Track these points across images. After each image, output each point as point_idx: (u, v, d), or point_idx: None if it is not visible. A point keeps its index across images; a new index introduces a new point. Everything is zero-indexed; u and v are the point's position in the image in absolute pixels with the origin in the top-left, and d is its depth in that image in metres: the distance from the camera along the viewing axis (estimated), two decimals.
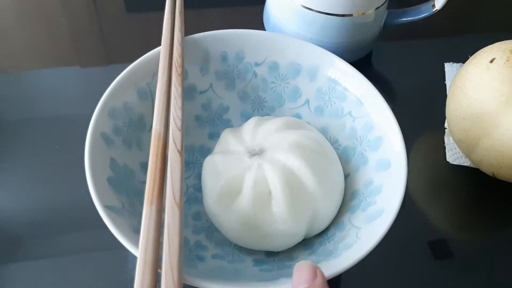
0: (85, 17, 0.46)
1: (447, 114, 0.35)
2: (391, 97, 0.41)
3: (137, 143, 0.29)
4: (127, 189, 0.27)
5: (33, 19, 0.45)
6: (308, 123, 0.33)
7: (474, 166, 0.36)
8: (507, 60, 0.31)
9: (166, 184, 0.23)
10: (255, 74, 0.33)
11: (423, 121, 0.39)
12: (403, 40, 0.46)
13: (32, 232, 0.31)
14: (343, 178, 0.30)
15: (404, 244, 0.32)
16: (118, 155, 0.27)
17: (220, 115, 0.34)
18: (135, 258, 0.21)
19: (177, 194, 0.23)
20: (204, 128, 0.34)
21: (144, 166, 0.26)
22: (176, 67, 0.28)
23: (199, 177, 0.31)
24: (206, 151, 0.33)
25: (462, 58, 0.36)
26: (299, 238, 0.28)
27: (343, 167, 0.30)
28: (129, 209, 0.26)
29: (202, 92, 0.33)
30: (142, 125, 0.30)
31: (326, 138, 0.31)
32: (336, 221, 0.29)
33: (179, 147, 0.25)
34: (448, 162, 0.37)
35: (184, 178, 0.31)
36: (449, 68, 0.42)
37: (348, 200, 0.29)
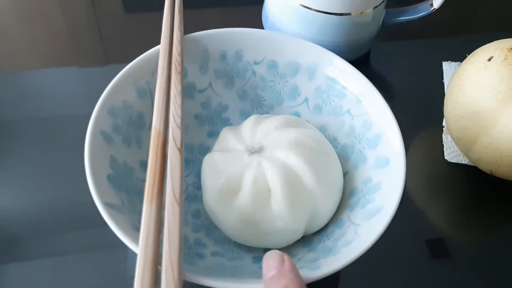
0: (83, 17, 0.46)
1: (445, 113, 0.35)
2: (389, 95, 0.41)
3: (136, 141, 0.29)
4: (127, 187, 0.27)
5: (31, 18, 0.45)
6: (307, 122, 0.33)
7: (472, 164, 0.36)
8: (505, 59, 0.31)
9: (166, 181, 0.24)
10: (254, 73, 0.33)
11: (421, 120, 0.39)
12: (402, 39, 0.46)
13: (32, 231, 0.32)
14: (342, 176, 0.30)
15: (402, 241, 0.33)
16: (118, 153, 0.28)
17: (219, 114, 0.34)
18: (135, 255, 0.21)
19: (177, 191, 0.23)
20: (204, 127, 0.34)
21: (144, 164, 0.26)
22: (175, 65, 0.29)
23: (198, 175, 0.31)
24: (206, 150, 0.33)
25: (460, 56, 0.36)
26: (298, 235, 0.28)
27: (342, 165, 0.30)
28: (129, 207, 0.26)
29: (201, 91, 0.33)
30: (141, 123, 0.30)
31: (325, 136, 0.32)
32: (335, 218, 0.29)
33: (178, 145, 0.25)
34: (446, 160, 0.37)
35: (183, 176, 0.32)
36: (447, 66, 0.43)
37: (347, 198, 0.29)
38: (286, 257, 0.21)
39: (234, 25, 0.33)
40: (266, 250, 0.29)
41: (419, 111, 0.40)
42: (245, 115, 0.34)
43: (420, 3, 0.40)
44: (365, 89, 0.30)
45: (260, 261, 0.28)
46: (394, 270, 0.32)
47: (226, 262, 0.27)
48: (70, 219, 0.32)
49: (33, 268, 0.30)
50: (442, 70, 0.42)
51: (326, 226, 0.29)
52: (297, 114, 0.34)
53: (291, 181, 0.27)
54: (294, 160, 0.27)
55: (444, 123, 0.38)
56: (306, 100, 0.33)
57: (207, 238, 0.29)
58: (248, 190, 0.27)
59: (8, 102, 0.38)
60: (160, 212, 0.23)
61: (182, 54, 0.29)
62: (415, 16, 0.40)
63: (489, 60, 0.32)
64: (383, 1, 0.38)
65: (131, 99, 0.29)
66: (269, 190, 0.27)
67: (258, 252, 0.29)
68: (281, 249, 0.28)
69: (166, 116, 0.26)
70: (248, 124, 0.30)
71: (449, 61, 0.43)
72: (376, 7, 0.38)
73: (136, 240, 0.22)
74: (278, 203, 0.27)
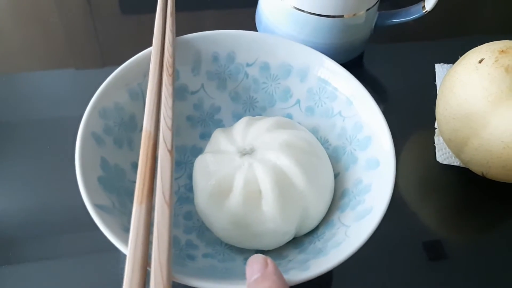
0: (80, 19, 0.46)
1: (437, 114, 0.35)
2: (382, 97, 0.42)
3: (128, 143, 0.29)
4: (118, 189, 0.27)
5: (28, 20, 0.45)
6: (299, 123, 0.33)
7: (463, 166, 0.36)
8: (495, 61, 0.31)
9: (156, 183, 0.24)
10: (246, 75, 0.33)
11: (414, 121, 0.40)
12: (395, 41, 0.46)
13: (23, 233, 0.31)
14: (333, 177, 0.30)
15: (395, 243, 0.33)
16: (109, 154, 0.28)
17: (211, 115, 0.34)
18: (126, 258, 0.21)
19: (167, 193, 0.23)
20: (196, 128, 0.34)
21: (135, 166, 0.26)
22: (167, 67, 0.29)
23: (190, 177, 0.31)
24: (198, 151, 0.33)
25: (452, 58, 0.37)
26: (289, 237, 0.28)
27: (333, 166, 0.30)
28: (119, 208, 0.26)
29: (193, 93, 0.33)
30: (133, 125, 0.30)
31: (317, 138, 0.32)
32: (326, 219, 0.29)
33: (169, 146, 0.25)
34: (438, 161, 0.37)
35: (175, 178, 0.32)
36: (440, 68, 0.43)
37: (338, 199, 0.29)
38: (269, 260, 0.22)
39: (227, 27, 0.33)
40: (257, 251, 0.29)
41: (411, 112, 0.40)
42: (237, 117, 0.34)
43: (412, 6, 0.40)
44: (356, 91, 0.30)
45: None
46: (386, 271, 0.32)
47: (217, 264, 0.28)
48: (63, 221, 0.32)
49: (25, 270, 0.30)
50: (434, 72, 0.43)
51: (317, 228, 0.29)
52: (289, 116, 0.34)
53: (281, 182, 0.27)
54: (285, 162, 0.27)
55: (436, 125, 0.39)
56: (298, 101, 0.33)
57: (199, 240, 0.29)
58: (239, 192, 0.27)
59: (3, 103, 0.38)
60: (149, 213, 0.23)
61: (173, 56, 0.29)
62: (408, 18, 0.40)
63: (480, 62, 0.32)
64: (375, 4, 0.39)
65: (122, 101, 0.29)
66: (260, 191, 0.27)
67: (249, 253, 0.29)
68: (272, 251, 0.29)
69: (157, 118, 0.26)
70: (239, 126, 0.30)
71: (441, 63, 0.43)
72: (368, 9, 0.38)
73: (126, 241, 0.22)
74: (269, 205, 0.27)
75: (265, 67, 0.33)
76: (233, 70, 0.33)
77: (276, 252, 0.28)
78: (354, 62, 0.42)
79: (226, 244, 0.29)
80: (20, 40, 0.43)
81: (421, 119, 0.39)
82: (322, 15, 0.37)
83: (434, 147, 0.38)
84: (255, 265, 0.21)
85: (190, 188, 0.31)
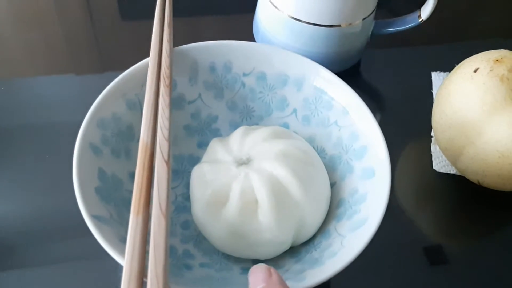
0: (80, 25, 0.46)
1: (433, 123, 0.36)
2: (379, 105, 0.42)
3: (125, 153, 0.30)
4: (115, 199, 0.27)
5: (28, 26, 0.45)
6: (296, 132, 0.33)
7: (460, 174, 0.36)
8: (490, 70, 0.32)
9: (153, 194, 0.24)
10: (243, 84, 0.34)
11: (410, 129, 0.40)
12: (391, 50, 0.46)
13: (20, 241, 0.32)
14: (329, 187, 0.30)
15: (392, 250, 0.33)
16: (107, 165, 0.28)
17: (209, 125, 0.34)
18: (123, 267, 0.21)
19: (164, 204, 0.23)
20: (193, 138, 0.34)
21: (133, 175, 0.26)
22: (164, 78, 0.29)
23: (188, 186, 0.32)
24: (195, 160, 0.33)
25: (449, 67, 0.37)
26: (286, 247, 0.28)
27: (329, 176, 0.31)
28: (117, 219, 0.26)
29: (191, 102, 0.33)
30: (131, 135, 0.30)
31: (313, 147, 0.32)
32: (322, 229, 0.29)
33: (166, 157, 0.25)
34: (434, 170, 0.37)
35: (172, 187, 0.32)
36: (436, 77, 0.43)
37: (334, 208, 0.30)
38: (273, 269, 0.22)
39: (225, 35, 0.33)
40: (254, 261, 0.29)
41: (408, 121, 0.40)
42: (234, 126, 0.34)
43: (408, 14, 0.40)
44: (351, 101, 0.31)
45: (248, 272, 0.28)
46: (383, 279, 0.32)
47: (214, 273, 0.28)
48: (59, 229, 0.32)
49: (22, 277, 0.30)
50: (431, 80, 0.43)
51: (314, 237, 0.29)
52: (286, 125, 0.34)
53: (278, 192, 0.27)
54: (281, 172, 0.27)
55: (432, 133, 0.39)
56: (294, 111, 0.34)
57: (196, 249, 0.29)
58: (235, 202, 0.27)
59: (3, 109, 0.38)
60: (146, 225, 0.23)
61: (170, 67, 0.30)
62: (404, 27, 0.41)
63: (475, 71, 0.32)
64: (372, 13, 0.39)
65: (120, 111, 0.30)
66: (257, 201, 0.27)
67: (246, 263, 0.29)
68: (269, 260, 0.29)
69: (154, 129, 0.27)
70: (236, 135, 0.30)
71: (438, 71, 0.43)
72: (365, 18, 0.38)
73: (122, 252, 0.22)
74: (265, 215, 0.27)
75: (262, 77, 0.33)
76: (230, 80, 0.33)
77: (272, 262, 0.28)
78: (350, 71, 0.42)
79: (223, 253, 0.29)
80: (21, 46, 0.44)
81: (418, 127, 0.40)
82: (319, 24, 0.37)
83: (431, 155, 0.38)
84: (259, 274, 0.21)
85: (187, 197, 0.32)
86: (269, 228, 0.27)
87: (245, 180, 0.27)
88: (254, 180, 0.27)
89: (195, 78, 0.33)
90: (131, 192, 0.26)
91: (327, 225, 0.29)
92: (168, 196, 0.23)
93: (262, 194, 0.27)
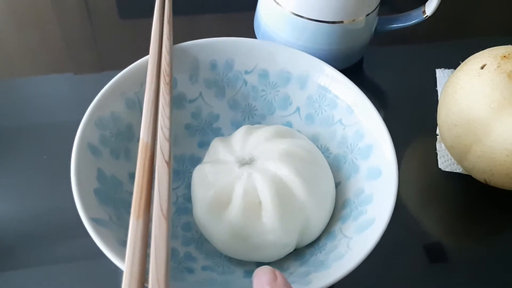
0: (78, 23, 0.46)
1: (438, 121, 0.35)
2: (383, 103, 0.41)
3: (125, 153, 0.29)
4: (114, 201, 0.26)
5: (26, 25, 0.45)
6: (299, 131, 0.32)
7: (466, 173, 0.36)
8: (498, 66, 0.31)
9: (154, 195, 0.23)
10: (245, 82, 0.33)
11: (415, 127, 0.39)
12: (395, 46, 0.46)
13: (19, 242, 0.31)
14: (334, 187, 0.30)
15: (397, 250, 0.32)
16: (106, 165, 0.27)
17: (210, 124, 0.34)
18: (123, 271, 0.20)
19: (165, 205, 0.22)
20: (194, 137, 0.33)
21: (133, 176, 0.26)
22: (164, 76, 0.28)
23: (189, 187, 0.31)
24: (197, 160, 0.33)
25: (453, 64, 0.36)
26: (290, 249, 0.28)
27: (334, 175, 0.30)
28: (116, 221, 0.25)
29: (191, 101, 0.33)
30: (130, 134, 0.30)
31: (317, 146, 0.31)
32: (327, 230, 0.28)
33: (166, 157, 0.24)
34: (440, 169, 0.36)
35: (173, 188, 0.31)
36: (441, 74, 0.42)
37: (339, 209, 0.29)
38: (277, 272, 0.21)
39: (226, 32, 0.32)
40: (258, 264, 0.28)
41: (412, 119, 0.40)
42: (236, 125, 0.33)
43: (412, 10, 0.40)
44: (356, 98, 0.30)
45: (251, 275, 0.27)
46: (389, 279, 0.31)
47: (216, 277, 0.27)
48: (58, 231, 0.32)
49: (20, 278, 0.29)
50: (435, 77, 0.42)
51: (318, 239, 0.29)
52: (289, 124, 0.33)
53: (281, 193, 0.26)
54: (284, 172, 0.27)
55: (438, 131, 0.38)
56: (298, 109, 0.33)
57: (198, 252, 0.29)
58: (238, 203, 0.26)
59: (1, 109, 0.38)
60: (147, 228, 0.22)
61: (171, 65, 0.29)
62: (408, 23, 0.40)
63: (482, 68, 0.31)
64: (375, 9, 0.38)
65: (119, 111, 0.29)
66: (260, 202, 0.26)
67: (249, 266, 0.28)
68: (273, 263, 0.28)
69: (154, 128, 0.26)
70: (238, 135, 0.30)
71: (442, 68, 0.43)
72: (368, 14, 0.38)
73: (122, 256, 0.22)
74: (269, 216, 0.26)
75: (264, 75, 0.33)
76: (232, 78, 0.33)
77: (276, 264, 0.28)
78: (354, 68, 0.41)
79: (225, 256, 0.29)
80: (19, 45, 0.43)
81: (423, 125, 0.39)
82: (321, 20, 0.36)
83: (436, 154, 0.37)
84: (263, 277, 0.21)
85: (188, 198, 0.31)
86: (273, 230, 0.26)
87: (248, 181, 0.27)
88: (257, 181, 0.27)
89: (195, 76, 0.32)
90: (131, 193, 0.26)
91: (332, 227, 0.28)
92: (169, 198, 0.23)
93: (265, 195, 0.26)
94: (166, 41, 0.30)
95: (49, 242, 0.31)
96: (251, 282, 0.26)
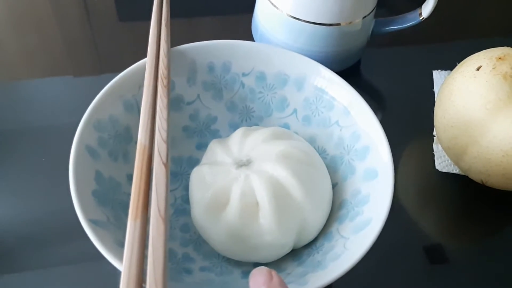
0: (78, 26, 0.46)
1: (435, 122, 0.35)
2: (380, 105, 0.41)
3: (123, 155, 0.29)
4: (112, 202, 0.26)
5: (26, 28, 0.45)
6: (296, 133, 0.33)
7: (463, 174, 0.36)
8: (493, 68, 0.31)
9: (151, 197, 0.23)
10: (242, 85, 0.33)
11: (412, 129, 0.39)
12: (392, 48, 0.46)
13: (17, 244, 0.31)
14: (331, 188, 0.30)
15: (394, 251, 0.32)
16: (104, 167, 0.27)
17: (208, 126, 0.34)
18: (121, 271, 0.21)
19: (162, 207, 0.22)
20: (192, 139, 0.33)
21: (131, 178, 0.26)
22: (161, 79, 0.28)
23: (187, 188, 0.31)
24: (195, 162, 0.33)
25: (450, 65, 0.36)
26: (287, 249, 0.28)
27: (331, 177, 0.30)
28: (114, 223, 0.25)
29: (189, 103, 0.33)
30: (128, 137, 0.30)
31: (314, 148, 0.31)
32: (324, 231, 0.29)
33: (164, 159, 0.24)
34: (437, 169, 0.37)
35: (171, 190, 0.31)
36: (437, 75, 0.43)
37: (336, 210, 0.29)
38: (274, 272, 0.21)
39: (224, 35, 0.33)
40: (255, 264, 0.28)
41: (409, 120, 0.40)
42: (234, 127, 0.33)
43: (409, 13, 0.40)
44: (353, 100, 0.30)
45: (249, 275, 0.27)
46: (386, 280, 0.31)
47: (214, 277, 0.27)
48: (57, 233, 0.32)
49: (19, 281, 0.30)
50: (432, 79, 0.42)
51: (316, 239, 0.29)
52: (286, 126, 0.33)
53: (279, 194, 0.27)
54: (281, 173, 0.27)
55: (434, 133, 0.38)
56: (295, 111, 0.33)
57: (196, 253, 0.29)
58: (236, 204, 0.26)
59: (0, 111, 0.38)
60: (144, 229, 0.22)
61: (168, 68, 0.29)
62: (404, 25, 0.40)
63: (478, 69, 0.32)
64: (372, 11, 0.38)
65: (117, 113, 0.29)
66: (257, 203, 0.27)
67: (247, 266, 0.28)
68: (270, 263, 0.28)
69: (151, 130, 0.26)
70: (236, 136, 0.30)
71: (439, 70, 0.43)
72: (365, 17, 0.38)
73: (120, 257, 0.22)
74: (266, 217, 0.26)
75: (261, 77, 0.33)
76: (229, 80, 0.33)
77: (274, 265, 0.28)
78: (351, 70, 0.41)
79: (223, 257, 0.29)
80: (19, 48, 0.43)
81: (420, 126, 0.39)
82: (318, 23, 0.37)
83: (433, 155, 0.37)
84: (259, 277, 0.21)
85: (186, 199, 0.31)
86: (270, 231, 0.26)
87: (246, 182, 0.27)
88: (254, 182, 0.27)
89: (193, 78, 0.32)
90: (129, 194, 0.26)
91: (329, 227, 0.28)
92: (167, 199, 0.23)
93: (262, 196, 0.26)
94: (164, 43, 0.30)
95: (47, 243, 0.31)
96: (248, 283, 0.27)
